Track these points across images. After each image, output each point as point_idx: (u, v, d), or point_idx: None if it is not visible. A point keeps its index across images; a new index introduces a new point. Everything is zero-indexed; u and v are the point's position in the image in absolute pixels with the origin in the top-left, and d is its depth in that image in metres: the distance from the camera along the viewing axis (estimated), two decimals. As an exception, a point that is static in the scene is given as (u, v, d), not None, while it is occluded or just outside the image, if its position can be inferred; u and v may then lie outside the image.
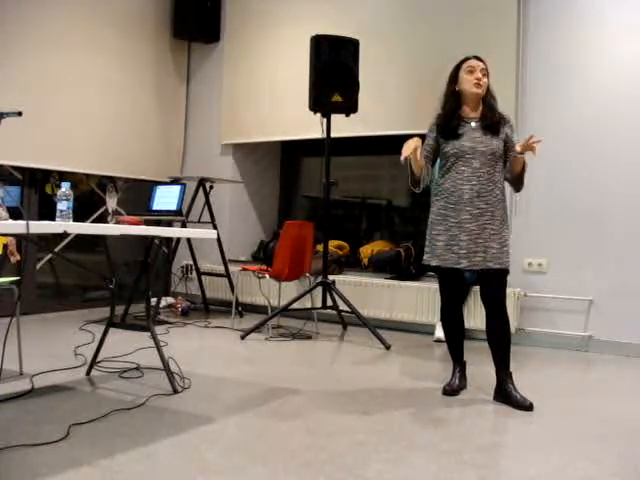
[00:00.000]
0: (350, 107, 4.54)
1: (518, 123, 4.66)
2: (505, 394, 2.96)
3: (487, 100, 3.08)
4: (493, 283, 3.05)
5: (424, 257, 3.13)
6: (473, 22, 4.74)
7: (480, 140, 3.00)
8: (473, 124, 3.03)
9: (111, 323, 3.20)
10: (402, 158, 2.87)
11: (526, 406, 2.85)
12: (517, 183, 3.10)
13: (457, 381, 3.18)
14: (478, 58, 3.06)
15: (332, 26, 4.84)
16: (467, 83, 3.02)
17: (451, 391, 3.11)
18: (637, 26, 4.30)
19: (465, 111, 3.08)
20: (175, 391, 2.91)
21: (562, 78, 4.55)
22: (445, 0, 4.92)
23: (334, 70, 4.44)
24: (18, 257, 3.52)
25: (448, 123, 3.06)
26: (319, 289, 4.73)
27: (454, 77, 3.10)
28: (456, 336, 3.28)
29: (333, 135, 4.63)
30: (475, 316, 4.62)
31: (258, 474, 2.04)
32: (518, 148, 2.91)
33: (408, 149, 2.85)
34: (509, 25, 4.65)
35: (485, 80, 3.04)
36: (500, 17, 4.68)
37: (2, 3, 4.65)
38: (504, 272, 3.04)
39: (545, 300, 4.55)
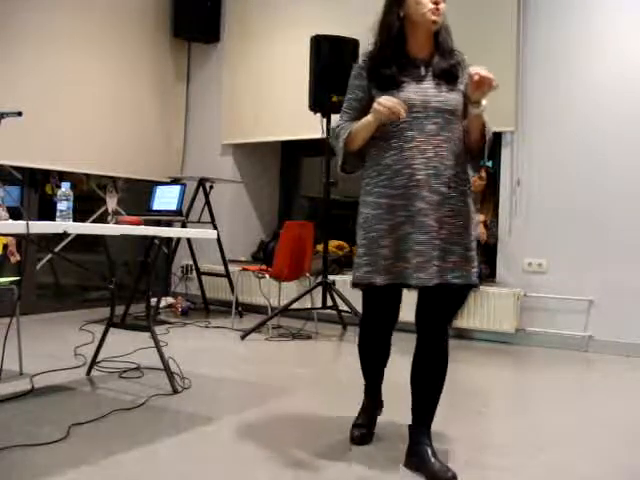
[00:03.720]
0: (350, 107, 4.54)
1: (518, 123, 4.67)
2: (421, 460, 2.09)
3: (441, 35, 2.12)
4: (443, 304, 2.12)
5: (358, 273, 2.10)
6: (473, 22, 4.72)
7: (434, 92, 2.07)
8: (422, 69, 2.09)
9: (111, 323, 3.20)
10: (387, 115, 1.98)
11: (447, 478, 2.01)
12: (475, 157, 2.15)
13: (367, 420, 2.34)
14: None
15: (332, 26, 4.83)
16: (421, 7, 2.02)
17: (360, 436, 2.31)
18: (637, 26, 4.30)
19: (411, 49, 2.11)
20: (175, 391, 2.91)
21: (562, 78, 4.54)
22: (445, 0, 4.91)
23: (334, 70, 4.44)
24: (18, 257, 3.52)
25: (385, 65, 2.08)
26: (319, 289, 4.73)
27: None
28: (379, 369, 2.40)
29: (333, 135, 4.62)
30: (475, 316, 4.62)
31: (258, 474, 2.04)
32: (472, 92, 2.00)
33: (396, 107, 1.96)
34: (509, 25, 4.64)
35: (444, 5, 2.06)
36: (500, 17, 4.68)
37: (2, 4, 4.65)
38: (468, 288, 2.11)
39: (545, 300, 4.55)
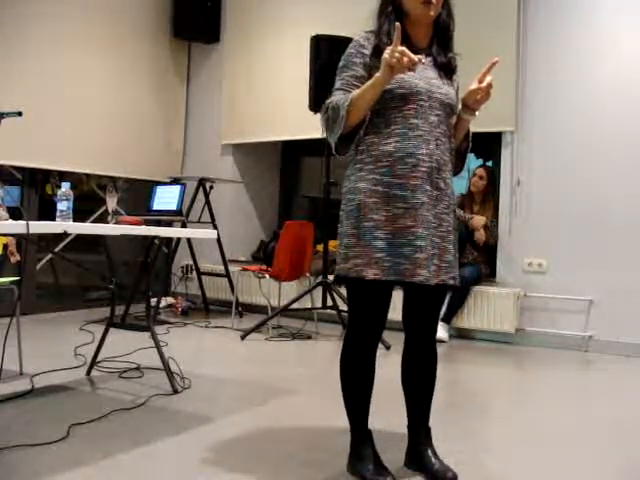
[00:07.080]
0: (350, 107, 4.54)
1: (518, 123, 4.67)
2: (421, 460, 2.08)
3: (441, 23, 2.00)
4: (434, 303, 2.10)
5: (345, 265, 1.94)
6: (473, 22, 4.72)
7: (437, 83, 1.97)
8: (423, 58, 1.91)
9: (111, 323, 3.20)
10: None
11: (448, 479, 1.99)
12: (459, 159, 2.10)
13: (382, 468, 2.02)
14: None
15: (332, 26, 4.83)
16: (413, 1, 1.92)
17: None
18: (636, 26, 4.30)
19: (411, 37, 1.97)
20: (175, 391, 2.91)
21: (562, 78, 4.54)
22: (445, 0, 4.91)
23: (334, 70, 4.42)
24: (18, 257, 3.52)
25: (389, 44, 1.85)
26: (319, 289, 4.73)
27: None
28: (368, 391, 2.07)
29: (333, 135, 4.62)
30: (475, 316, 4.62)
31: (258, 474, 2.04)
32: (475, 86, 1.97)
33: (408, 54, 1.77)
34: (509, 25, 4.64)
35: None
36: (500, 17, 4.68)
37: (1, 4, 4.65)
38: (454, 290, 2.12)
39: (545, 300, 4.55)
